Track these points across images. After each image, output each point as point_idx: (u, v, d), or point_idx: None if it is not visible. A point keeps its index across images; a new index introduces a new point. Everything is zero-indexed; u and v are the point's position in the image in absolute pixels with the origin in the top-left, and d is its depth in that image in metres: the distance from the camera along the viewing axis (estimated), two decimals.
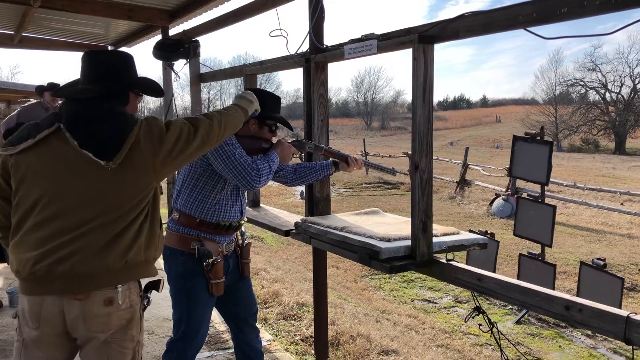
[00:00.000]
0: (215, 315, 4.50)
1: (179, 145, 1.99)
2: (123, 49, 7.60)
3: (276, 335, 4.32)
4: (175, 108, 5.81)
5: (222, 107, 2.32)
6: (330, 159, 3.04)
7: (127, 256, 1.95)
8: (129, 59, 2.14)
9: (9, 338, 3.97)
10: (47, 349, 1.97)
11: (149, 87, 2.19)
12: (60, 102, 5.48)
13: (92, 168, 1.89)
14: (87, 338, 1.96)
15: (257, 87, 4.24)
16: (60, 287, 1.89)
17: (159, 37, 5.97)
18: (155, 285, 2.18)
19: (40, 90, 6.36)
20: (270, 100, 2.73)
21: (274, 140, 2.82)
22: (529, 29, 1.99)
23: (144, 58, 5.88)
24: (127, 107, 2.08)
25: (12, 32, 7.17)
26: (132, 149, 1.91)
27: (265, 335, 4.14)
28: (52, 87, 6.25)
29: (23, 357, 1.99)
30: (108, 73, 2.05)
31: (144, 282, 2.13)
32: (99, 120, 1.94)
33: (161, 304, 4.74)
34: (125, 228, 1.95)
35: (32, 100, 12.09)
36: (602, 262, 5.32)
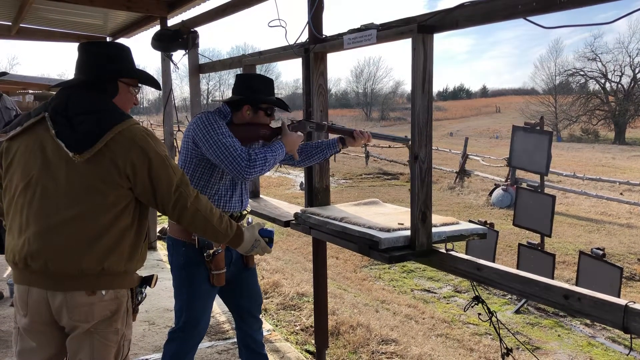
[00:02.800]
0: (216, 306, 4.52)
1: (163, 178, 1.94)
2: (121, 40, 7.58)
3: (276, 326, 4.34)
4: (174, 99, 5.80)
5: (226, 222, 2.13)
6: (337, 136, 2.95)
7: (104, 262, 1.89)
8: (123, 49, 2.09)
9: (9, 329, 3.98)
10: (37, 337, 1.97)
11: (143, 77, 2.13)
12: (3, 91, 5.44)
13: (63, 159, 1.87)
14: (71, 327, 1.94)
15: None
16: (39, 281, 1.90)
17: (157, 27, 5.94)
18: (148, 281, 2.15)
19: None
20: (261, 84, 2.68)
21: (273, 125, 2.76)
22: (528, 18, 1.99)
23: (143, 49, 5.85)
24: (117, 99, 2.03)
25: (10, 23, 7.14)
26: (107, 146, 1.86)
27: (265, 326, 4.16)
28: None
29: (19, 345, 2.00)
30: (97, 61, 2.02)
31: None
32: (79, 111, 1.90)
33: (161, 294, 4.76)
34: (103, 232, 1.89)
35: (31, 92, 12.07)
36: (601, 252, 5.32)
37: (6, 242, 1.97)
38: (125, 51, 2.09)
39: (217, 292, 2.75)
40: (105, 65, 2.01)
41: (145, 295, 2.17)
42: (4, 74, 6.52)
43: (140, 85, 2.17)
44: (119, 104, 2.02)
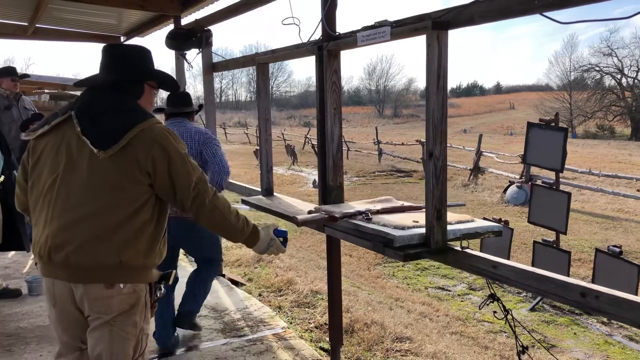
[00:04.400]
0: (231, 304, 4.55)
1: (184, 175, 2.01)
2: (135, 39, 7.63)
3: (291, 323, 4.35)
4: None
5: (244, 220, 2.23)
6: None
7: (121, 255, 1.95)
8: (145, 52, 2.19)
9: (29, 326, 4.04)
10: (62, 324, 2.10)
11: (167, 80, 2.24)
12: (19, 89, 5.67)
13: (88, 155, 1.96)
14: (92, 317, 2.02)
15: (269, 76, 4.24)
16: (61, 274, 1.99)
17: (171, 26, 5.97)
18: (166, 278, 2.20)
19: None
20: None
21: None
22: (544, 13, 1.97)
23: (157, 48, 5.89)
24: (141, 100, 2.13)
25: (26, 24, 7.21)
26: (129, 144, 1.94)
27: (279, 323, 4.17)
28: (10, 72, 5.88)
29: (54, 332, 2.18)
30: (122, 63, 2.11)
31: None
32: (105, 110, 2.01)
33: (176, 294, 4.79)
34: (121, 226, 1.95)
35: (46, 91, 12.20)
36: (617, 249, 5.26)
37: (33, 236, 2.06)
38: (149, 54, 2.20)
39: None
40: (133, 68, 2.12)
41: (164, 291, 2.22)
42: (26, 75, 6.61)
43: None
44: (143, 105, 2.12)
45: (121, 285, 1.99)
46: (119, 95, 2.06)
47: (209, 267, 3.91)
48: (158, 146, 1.98)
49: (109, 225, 1.94)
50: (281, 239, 2.38)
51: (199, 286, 3.84)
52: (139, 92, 2.13)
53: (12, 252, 5.83)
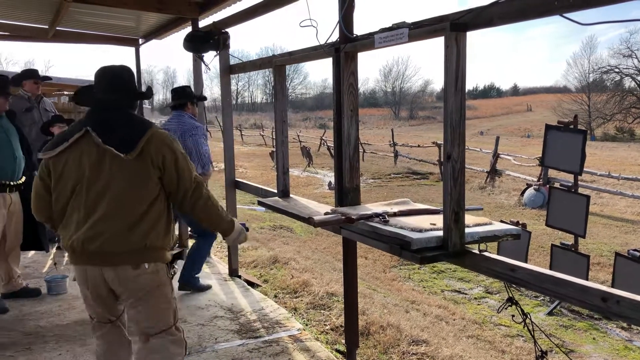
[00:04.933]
0: (247, 304, 4.56)
1: (186, 171, 2.50)
2: (153, 41, 7.71)
3: (306, 325, 4.35)
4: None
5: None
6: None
7: (147, 239, 2.41)
8: (131, 71, 2.68)
9: (48, 325, 4.09)
10: (96, 302, 2.55)
11: (147, 96, 2.94)
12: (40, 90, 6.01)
13: (110, 160, 2.39)
14: (125, 296, 2.49)
15: (285, 77, 4.26)
16: (94, 260, 2.42)
17: (188, 29, 6.01)
18: (180, 255, 2.68)
19: (17, 80, 5.92)
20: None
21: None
22: (564, 14, 1.95)
23: (174, 50, 5.96)
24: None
25: (47, 27, 7.32)
26: (146, 146, 2.40)
27: (295, 324, 4.18)
28: (33, 74, 6.01)
29: (88, 310, 2.65)
30: (120, 85, 2.58)
31: None
32: (118, 124, 2.47)
33: (193, 292, 4.82)
34: (144, 213, 2.41)
35: (65, 93, 12.34)
36: (638, 254, 5.18)
37: (63, 235, 2.49)
38: (132, 73, 2.69)
39: None
40: (129, 87, 2.60)
41: (176, 270, 2.64)
42: (47, 78, 6.71)
43: None
44: (137, 114, 2.67)
45: (146, 265, 2.43)
46: (123, 110, 2.54)
47: (205, 238, 4.84)
48: (166, 147, 2.46)
49: (135, 216, 2.39)
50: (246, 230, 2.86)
51: (195, 254, 4.82)
52: (135, 105, 2.66)
53: (32, 252, 5.91)
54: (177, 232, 6.49)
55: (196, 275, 4.86)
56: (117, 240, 2.36)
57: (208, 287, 4.91)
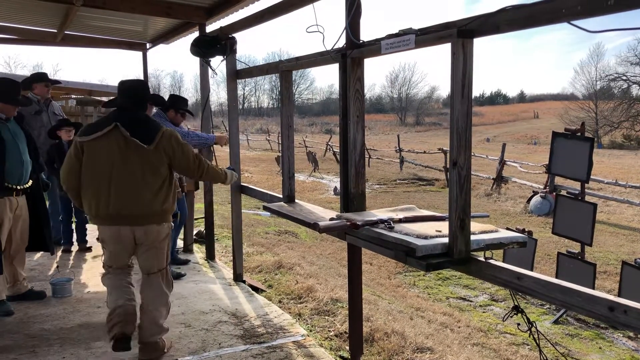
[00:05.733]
0: (251, 309, 4.55)
1: (189, 155, 3.51)
2: (160, 46, 7.75)
3: (310, 331, 4.33)
4: (210, 104, 5.90)
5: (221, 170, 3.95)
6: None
7: (164, 205, 3.43)
8: (145, 84, 3.79)
9: (52, 328, 4.09)
10: (124, 252, 3.52)
11: (157, 101, 4.26)
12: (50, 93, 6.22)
13: (134, 149, 3.33)
14: (146, 245, 3.47)
15: (292, 82, 4.27)
16: (128, 222, 3.36)
17: (196, 34, 6.04)
18: (175, 215, 4.27)
19: (27, 83, 5.97)
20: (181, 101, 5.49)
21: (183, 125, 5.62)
22: (572, 22, 1.94)
23: (181, 55, 6.00)
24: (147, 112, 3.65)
25: (55, 31, 7.37)
26: (160, 140, 3.37)
27: (299, 330, 4.16)
28: (43, 78, 6.04)
29: (109, 261, 3.55)
30: (138, 94, 3.53)
31: None
32: (140, 122, 3.42)
33: (197, 297, 4.82)
34: (161, 186, 3.39)
35: (73, 97, 12.41)
36: None
37: (92, 206, 3.37)
38: (147, 84, 3.82)
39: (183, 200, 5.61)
40: (144, 95, 3.59)
41: (172, 226, 3.76)
42: (57, 82, 6.75)
43: None
44: (148, 113, 3.74)
45: (164, 224, 3.48)
46: (141, 113, 3.50)
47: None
48: (174, 140, 3.42)
49: (155, 190, 3.36)
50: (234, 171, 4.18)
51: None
52: (146, 108, 3.62)
53: (38, 255, 5.93)
54: (182, 236, 6.51)
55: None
56: (145, 207, 3.33)
57: (180, 276, 5.42)
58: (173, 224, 3.72)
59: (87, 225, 6.28)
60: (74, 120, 6.25)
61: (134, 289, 3.60)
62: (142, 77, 8.92)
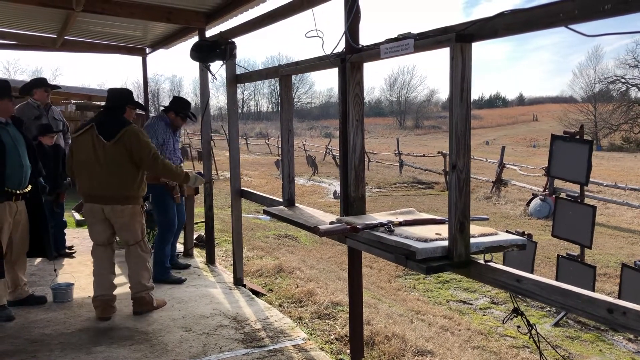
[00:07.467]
0: (252, 313, 4.56)
1: (145, 150, 4.19)
2: (160, 50, 7.76)
3: (311, 334, 4.34)
4: (209, 109, 5.91)
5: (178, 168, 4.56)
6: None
7: (128, 190, 4.20)
8: (128, 90, 4.61)
9: (53, 333, 4.09)
10: (100, 226, 4.32)
11: (138, 105, 4.66)
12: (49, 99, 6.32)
13: (102, 145, 4.13)
14: (116, 222, 4.28)
15: (292, 86, 4.28)
16: (97, 201, 4.21)
17: (195, 38, 6.06)
18: (147, 198, 4.68)
19: (26, 89, 6.01)
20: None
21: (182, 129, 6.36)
22: (570, 26, 1.96)
23: (181, 60, 6.05)
24: (125, 114, 4.38)
25: (55, 36, 7.38)
26: (121, 137, 4.12)
27: (300, 334, 4.17)
28: (43, 83, 6.07)
29: (92, 237, 4.39)
30: (115, 98, 4.37)
31: None
32: (109, 122, 4.21)
33: (198, 301, 4.82)
34: (130, 178, 4.19)
35: (73, 102, 12.44)
36: None
37: (81, 183, 4.29)
38: (130, 91, 4.59)
39: (175, 207, 5.50)
40: (121, 99, 4.39)
41: (146, 206, 4.71)
42: (57, 87, 6.77)
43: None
44: (127, 116, 4.39)
45: (129, 205, 4.22)
46: (114, 113, 4.30)
47: (160, 237, 5.48)
48: (134, 137, 4.16)
49: (123, 177, 4.16)
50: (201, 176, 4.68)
51: (157, 256, 5.41)
52: (123, 111, 4.37)
53: (38, 260, 5.94)
54: (182, 240, 6.51)
55: (168, 271, 5.50)
56: (114, 190, 4.15)
57: (180, 281, 5.45)
58: (145, 205, 4.58)
59: (66, 230, 6.43)
60: (73, 125, 6.27)
61: (114, 262, 4.49)
62: (141, 82, 8.94)
